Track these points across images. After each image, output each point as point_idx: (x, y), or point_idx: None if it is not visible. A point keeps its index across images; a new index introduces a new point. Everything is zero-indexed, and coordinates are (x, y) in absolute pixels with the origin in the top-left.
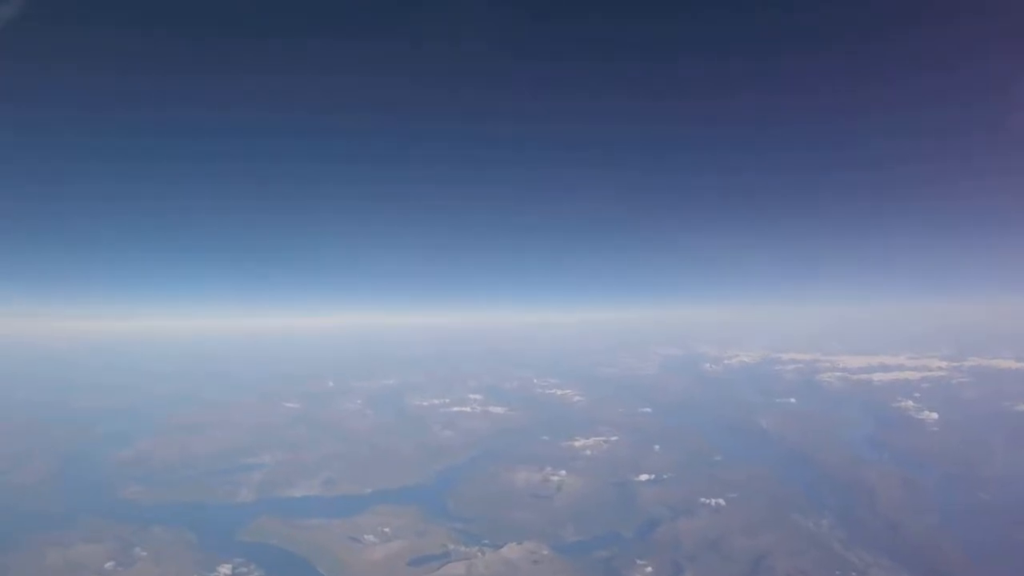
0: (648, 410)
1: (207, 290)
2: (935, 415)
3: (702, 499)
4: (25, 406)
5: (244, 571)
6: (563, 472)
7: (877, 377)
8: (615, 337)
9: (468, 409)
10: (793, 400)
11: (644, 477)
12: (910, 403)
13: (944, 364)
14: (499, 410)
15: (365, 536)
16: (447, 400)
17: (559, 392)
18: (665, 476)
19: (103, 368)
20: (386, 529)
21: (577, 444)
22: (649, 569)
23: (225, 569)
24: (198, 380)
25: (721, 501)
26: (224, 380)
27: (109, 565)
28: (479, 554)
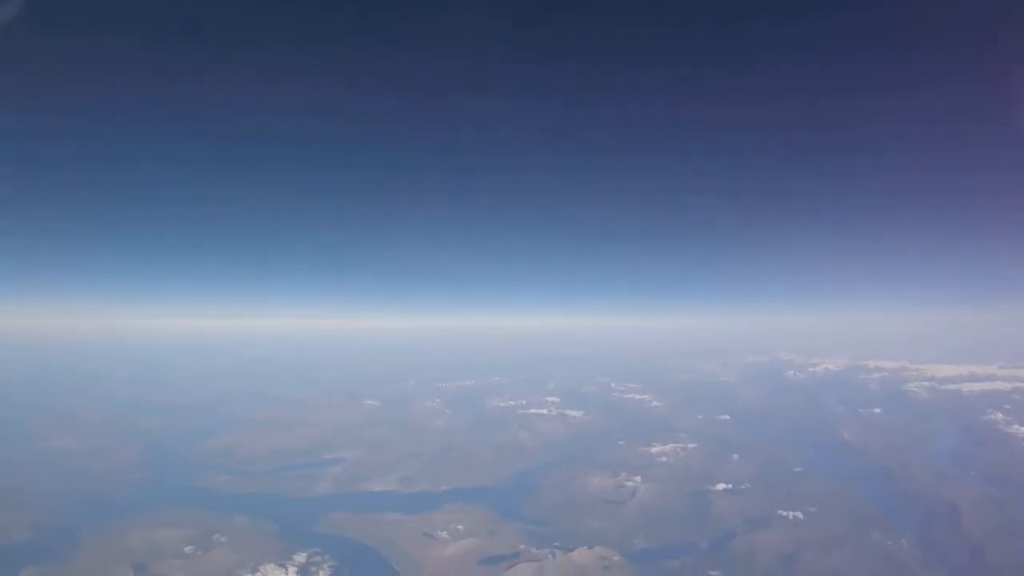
0: (727, 418)
1: (297, 292)
2: None
3: (780, 512)
4: (114, 401)
5: (319, 560)
6: (638, 478)
7: (966, 388)
8: (696, 343)
9: (545, 412)
10: (878, 411)
11: (721, 487)
12: (1000, 416)
13: None
14: (576, 414)
15: (438, 533)
16: (525, 402)
17: (637, 397)
18: (742, 487)
19: (194, 365)
20: (459, 527)
21: (653, 450)
22: None
23: (300, 558)
24: (284, 379)
25: (799, 515)
26: (308, 379)
27: (189, 549)
28: (549, 556)
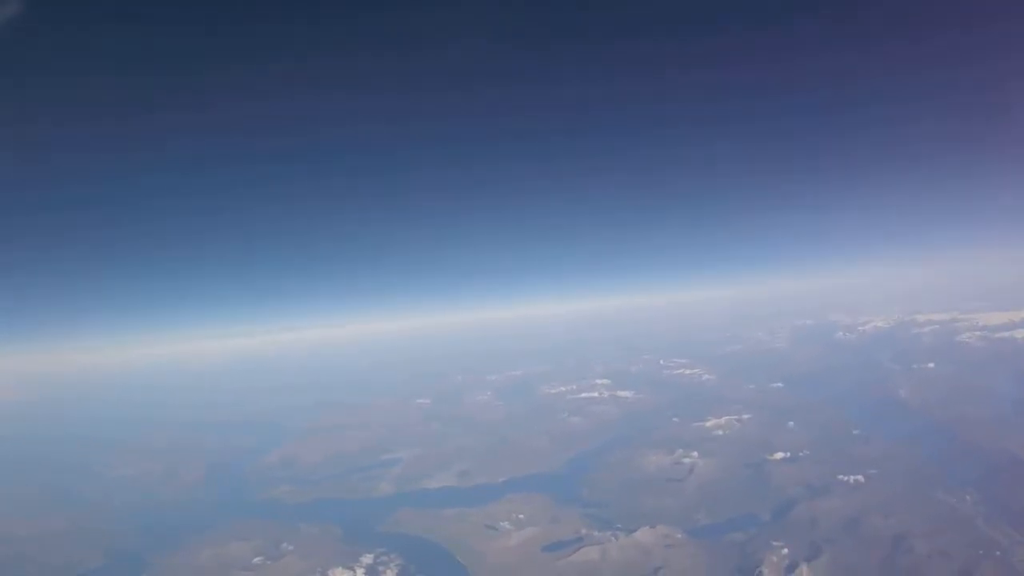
0: (780, 385)
1: (336, 300)
2: None
3: (839, 476)
4: (174, 425)
5: (385, 560)
6: (695, 454)
7: (1020, 334)
8: (742, 312)
9: (596, 395)
10: (932, 365)
11: (779, 455)
12: None
13: None
14: (627, 394)
15: (500, 524)
16: (575, 387)
17: (687, 372)
18: (801, 454)
19: (245, 383)
20: (520, 516)
21: (708, 424)
22: (785, 551)
23: (367, 559)
24: (335, 387)
25: (859, 478)
26: (359, 384)
27: (258, 560)
28: (612, 539)
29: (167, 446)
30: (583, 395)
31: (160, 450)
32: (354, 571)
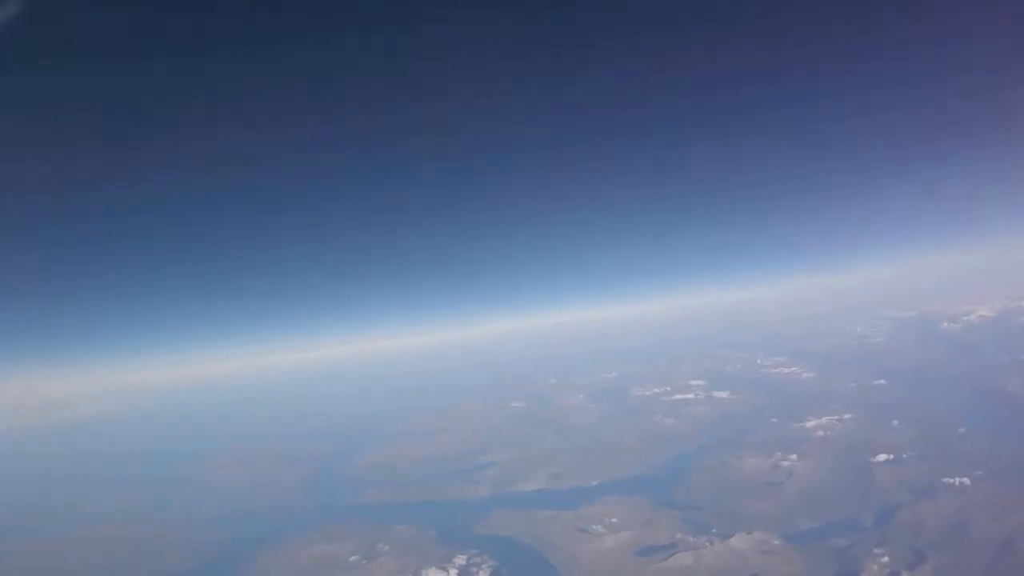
0: (882, 382)
1: (424, 306)
2: None
3: (945, 479)
4: (267, 435)
5: (478, 561)
6: (794, 456)
7: None
8: (837, 304)
9: (691, 396)
10: None
11: (882, 457)
12: None
13: None
14: (723, 394)
15: (593, 526)
16: (669, 388)
17: (785, 370)
18: (905, 455)
19: (338, 391)
20: (613, 519)
21: (808, 425)
22: (886, 559)
23: (460, 560)
24: (428, 391)
25: (966, 480)
26: (452, 388)
27: (354, 559)
28: (707, 544)
29: (261, 454)
30: (677, 396)
31: (254, 458)
32: (447, 572)
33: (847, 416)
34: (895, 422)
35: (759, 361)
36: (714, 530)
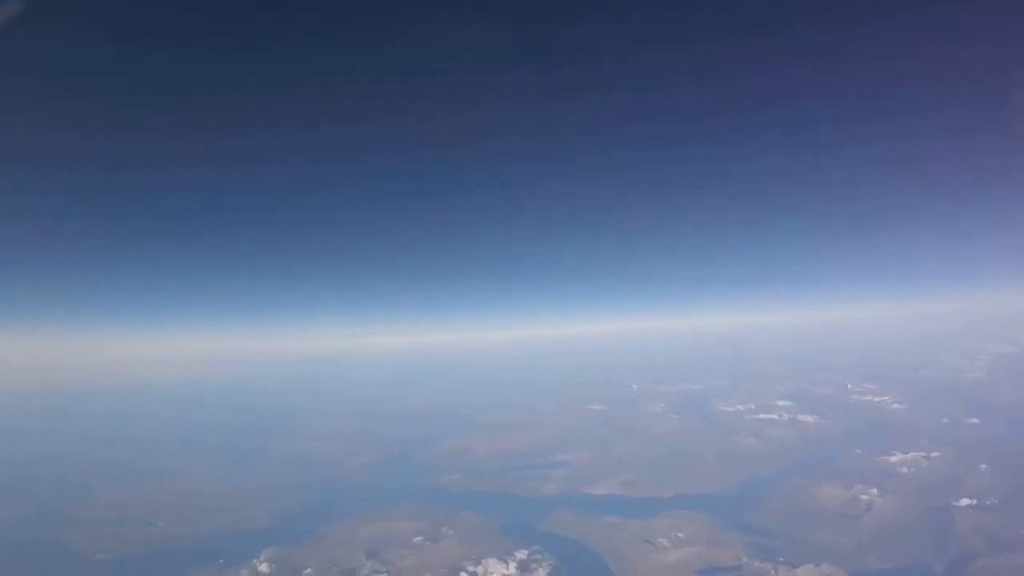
0: (975, 420)
1: (522, 303)
2: None
3: None
4: (353, 413)
5: (538, 558)
6: (874, 490)
7: None
8: (935, 333)
9: (775, 416)
10: None
11: (965, 502)
12: None
13: None
14: (809, 418)
15: (658, 539)
16: (753, 406)
17: (876, 399)
18: (989, 501)
19: (423, 378)
20: (680, 534)
21: (893, 459)
22: None
23: (521, 554)
24: (510, 387)
25: None
26: (534, 386)
27: (418, 540)
28: (772, 572)
29: (348, 431)
30: (762, 416)
31: (341, 435)
32: (507, 564)
33: (934, 454)
34: (983, 465)
35: (849, 387)
36: (781, 558)
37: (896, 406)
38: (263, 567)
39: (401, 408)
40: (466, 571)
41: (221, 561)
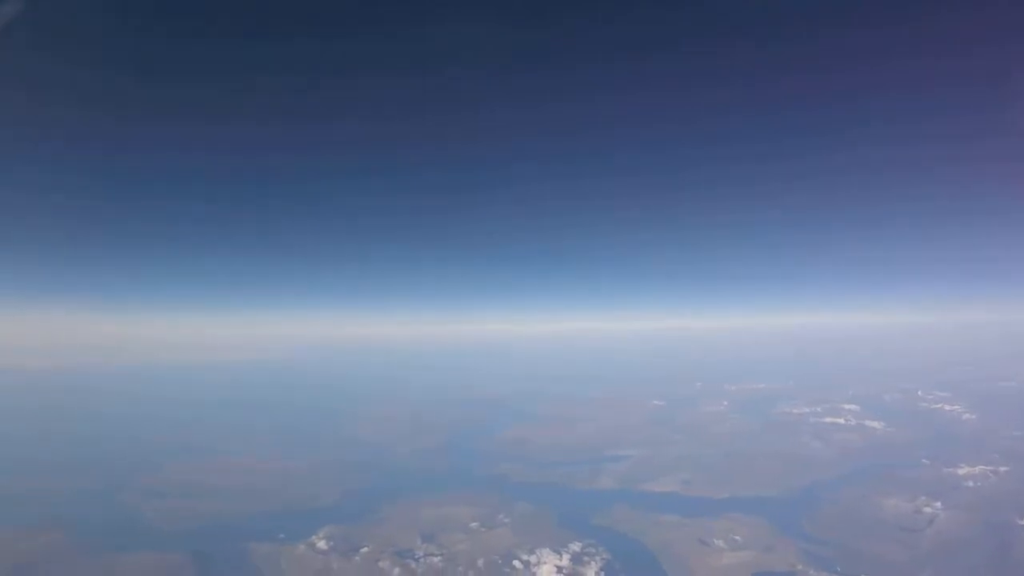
0: None
1: (592, 295)
2: None
3: None
4: (415, 399)
5: (592, 552)
6: (938, 504)
7: None
8: (1013, 343)
9: (842, 421)
10: None
11: None
12: None
13: None
14: (876, 424)
15: (714, 540)
16: (819, 409)
17: (947, 407)
18: None
19: (485, 367)
20: (736, 537)
21: (960, 472)
22: None
23: (575, 546)
24: (573, 378)
25: None
26: (596, 379)
27: (474, 525)
28: None
29: (406, 416)
30: (827, 419)
31: (404, 419)
32: (560, 555)
33: (1003, 469)
34: None
35: (920, 393)
36: (838, 568)
37: (967, 416)
38: (321, 543)
39: (471, 394)
40: (520, 559)
41: (282, 536)
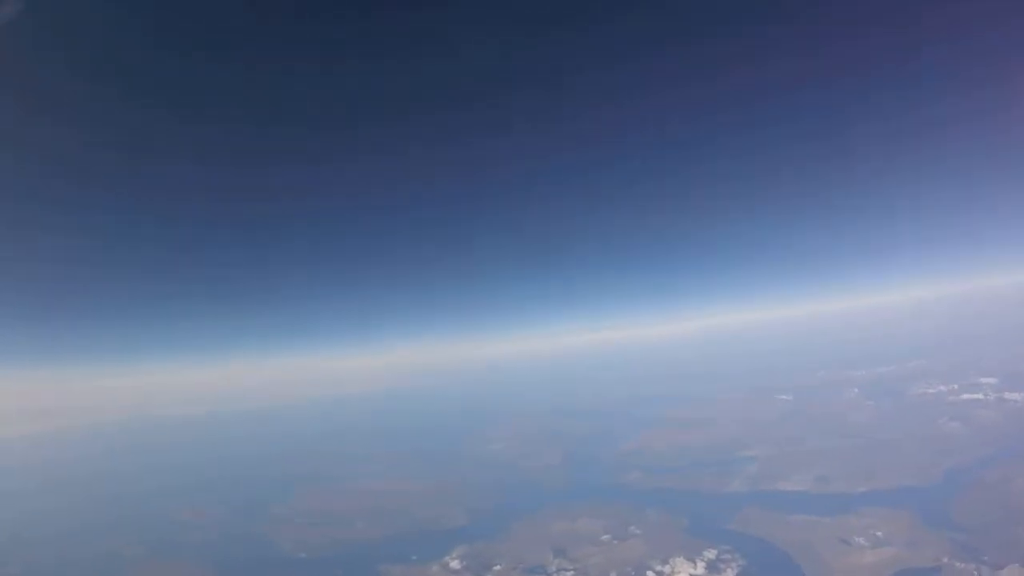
0: None
1: (695, 293)
2: None
3: None
4: (539, 411)
5: (728, 559)
6: None
7: None
8: None
9: (980, 396)
10: None
11: None
12: None
13: None
14: (1017, 396)
15: (855, 538)
16: (956, 386)
17: None
18: None
19: (602, 375)
20: (878, 533)
21: None
22: None
23: (710, 554)
24: (691, 379)
25: None
26: (716, 377)
27: (605, 537)
28: (975, 572)
29: (533, 431)
30: (964, 396)
31: (526, 434)
32: (695, 564)
33: None
34: None
35: None
36: (986, 557)
37: None
38: (455, 563)
39: (586, 405)
40: (653, 570)
41: (414, 558)
